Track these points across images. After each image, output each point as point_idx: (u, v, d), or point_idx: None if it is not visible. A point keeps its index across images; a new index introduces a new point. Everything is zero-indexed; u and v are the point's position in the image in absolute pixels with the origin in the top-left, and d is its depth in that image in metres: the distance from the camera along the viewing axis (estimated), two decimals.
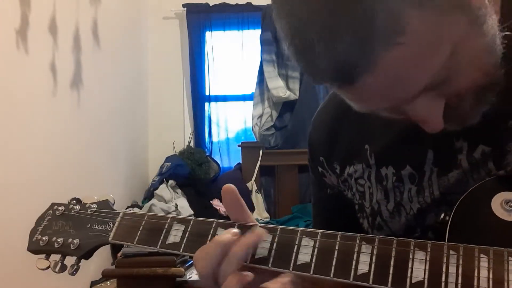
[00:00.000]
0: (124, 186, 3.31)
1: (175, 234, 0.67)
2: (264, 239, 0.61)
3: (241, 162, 3.60)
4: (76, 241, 0.73)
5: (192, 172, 3.46)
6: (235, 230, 0.61)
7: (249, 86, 3.72)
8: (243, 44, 3.80)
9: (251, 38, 3.74)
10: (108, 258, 2.97)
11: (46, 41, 2.37)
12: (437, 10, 0.47)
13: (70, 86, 2.60)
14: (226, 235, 0.60)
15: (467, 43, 0.50)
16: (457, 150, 0.64)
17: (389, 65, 0.48)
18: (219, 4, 3.77)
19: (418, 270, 0.54)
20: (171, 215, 0.69)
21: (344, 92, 0.55)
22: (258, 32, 3.63)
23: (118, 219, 0.72)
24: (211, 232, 0.65)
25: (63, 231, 0.75)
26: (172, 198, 3.20)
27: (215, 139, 3.86)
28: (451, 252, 0.54)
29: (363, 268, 0.56)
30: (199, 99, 3.82)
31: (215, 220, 0.66)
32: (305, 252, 0.60)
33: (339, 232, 0.60)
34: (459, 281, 0.53)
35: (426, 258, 0.55)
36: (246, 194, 3.42)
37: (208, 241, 0.64)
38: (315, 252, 0.59)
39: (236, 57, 3.81)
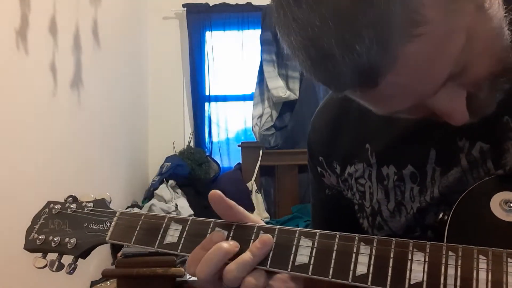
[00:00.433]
0: (124, 186, 3.31)
1: (173, 234, 0.66)
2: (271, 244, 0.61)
3: (241, 162, 3.60)
4: (73, 240, 0.72)
5: (192, 172, 3.46)
6: (234, 243, 0.62)
7: (249, 86, 3.72)
8: (243, 44, 3.80)
9: (251, 38, 3.74)
10: (108, 258, 2.97)
11: (46, 41, 2.37)
12: None
13: (70, 86, 2.60)
14: (225, 245, 0.61)
15: (478, 29, 0.50)
16: (460, 149, 0.64)
17: (411, 59, 0.48)
18: (219, 4, 3.77)
19: (417, 271, 0.54)
20: (168, 215, 0.69)
21: (366, 96, 0.54)
22: (258, 32, 3.63)
23: (115, 218, 0.71)
24: (208, 232, 0.65)
25: (59, 230, 0.74)
26: (172, 198, 3.20)
27: (215, 139, 3.86)
28: (450, 253, 0.54)
29: (361, 269, 0.56)
30: (199, 99, 3.82)
31: (213, 220, 0.66)
32: (304, 253, 0.59)
33: (338, 233, 0.60)
34: (458, 283, 0.52)
35: (424, 259, 0.55)
36: (246, 194, 3.42)
37: None
38: (314, 253, 0.59)
39: (236, 57, 3.81)
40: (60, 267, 0.73)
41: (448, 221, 0.58)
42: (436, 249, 0.55)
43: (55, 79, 2.43)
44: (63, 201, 0.78)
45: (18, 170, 2.14)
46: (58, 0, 2.42)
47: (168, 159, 3.56)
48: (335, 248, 0.58)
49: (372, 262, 0.56)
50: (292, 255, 0.60)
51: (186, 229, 0.66)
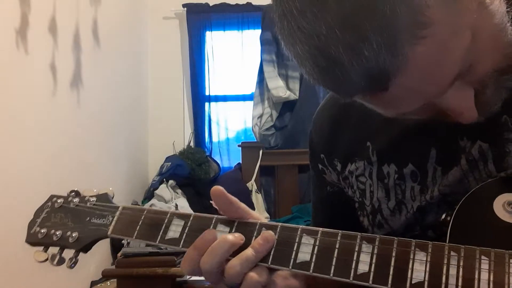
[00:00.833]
0: (124, 186, 3.31)
1: (175, 230, 0.66)
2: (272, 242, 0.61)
3: (241, 162, 3.60)
4: (75, 234, 0.72)
5: (192, 172, 3.46)
6: (239, 235, 0.62)
7: (249, 86, 3.72)
8: (243, 44, 3.80)
9: (251, 38, 3.74)
10: (108, 258, 2.97)
11: (46, 41, 2.37)
12: None
13: (70, 86, 2.60)
14: (231, 237, 0.61)
15: (481, 26, 0.50)
16: (461, 148, 0.64)
17: (420, 60, 0.48)
18: (219, 4, 3.77)
19: (419, 271, 0.54)
20: (171, 211, 0.69)
21: (375, 100, 0.54)
22: (258, 32, 3.63)
23: (118, 213, 0.71)
24: (211, 227, 0.65)
25: (61, 224, 0.74)
26: (172, 198, 3.20)
27: (215, 139, 3.85)
28: (452, 253, 0.54)
29: (363, 267, 0.56)
30: (199, 99, 3.82)
31: (215, 215, 0.66)
32: (305, 251, 0.59)
33: (340, 231, 0.60)
34: (460, 283, 0.52)
35: (426, 259, 0.54)
36: (246, 194, 3.42)
37: None
38: (315, 251, 0.59)
39: (236, 57, 3.81)
40: (61, 261, 0.73)
41: (451, 221, 0.58)
42: (438, 249, 0.55)
43: (55, 79, 2.43)
44: (65, 195, 0.78)
45: (18, 169, 2.14)
46: (58, 0, 2.42)
47: (168, 159, 3.56)
48: (337, 246, 0.58)
49: (373, 260, 0.56)
50: (294, 252, 0.60)
51: (188, 225, 0.66)
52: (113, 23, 3.15)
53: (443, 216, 0.61)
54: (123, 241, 2.90)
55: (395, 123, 0.67)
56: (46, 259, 0.73)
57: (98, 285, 2.62)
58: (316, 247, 0.59)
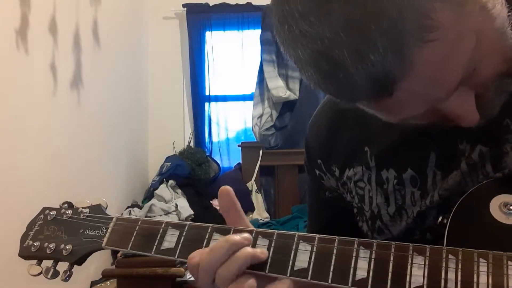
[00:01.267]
0: (124, 186, 3.31)
1: (170, 240, 0.66)
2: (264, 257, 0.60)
3: (241, 162, 3.60)
4: (69, 246, 0.71)
5: (192, 172, 3.46)
6: (247, 235, 0.61)
7: (249, 86, 3.72)
8: (243, 44, 3.80)
9: (251, 38, 3.74)
10: (108, 258, 2.97)
11: (46, 41, 2.37)
12: (455, 1, 0.47)
13: (70, 86, 2.60)
14: (237, 237, 0.60)
15: (484, 30, 0.50)
16: (461, 152, 0.63)
17: (426, 64, 0.47)
18: (219, 4, 3.77)
19: (417, 275, 0.54)
20: (165, 220, 0.68)
21: (379, 106, 0.53)
22: (258, 32, 3.63)
23: (111, 224, 0.70)
24: (206, 237, 0.64)
25: (55, 236, 0.73)
26: (172, 198, 3.20)
27: (215, 139, 3.85)
28: (450, 256, 0.54)
29: (361, 273, 0.56)
30: (199, 99, 3.82)
31: (211, 225, 0.65)
32: (303, 258, 0.59)
33: (337, 237, 0.59)
34: (459, 287, 0.52)
35: (424, 263, 0.54)
36: (246, 194, 3.42)
37: (203, 247, 0.63)
38: (313, 257, 0.58)
39: (236, 57, 3.81)
40: (55, 274, 0.72)
41: (448, 224, 0.58)
42: (436, 253, 0.55)
43: (55, 79, 2.43)
44: (58, 207, 0.77)
45: (18, 170, 2.14)
46: (58, 0, 2.42)
47: (168, 159, 3.56)
48: (334, 252, 0.58)
49: (371, 266, 0.56)
50: (291, 259, 0.59)
51: (184, 235, 0.65)
52: (113, 23, 3.15)
53: (440, 219, 0.60)
54: None
55: (393, 128, 0.67)
56: (40, 273, 0.72)
57: (98, 285, 2.62)
58: (314, 254, 0.58)
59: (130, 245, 0.67)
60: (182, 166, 3.44)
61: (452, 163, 0.63)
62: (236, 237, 0.60)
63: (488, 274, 0.52)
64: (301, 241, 0.60)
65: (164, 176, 3.36)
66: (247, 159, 3.53)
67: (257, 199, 3.44)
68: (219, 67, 3.83)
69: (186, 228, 0.65)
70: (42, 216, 0.77)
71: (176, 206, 3.08)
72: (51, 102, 2.42)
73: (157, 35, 3.85)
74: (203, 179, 3.48)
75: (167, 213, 3.03)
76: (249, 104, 3.68)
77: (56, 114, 2.45)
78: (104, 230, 0.70)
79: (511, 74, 0.54)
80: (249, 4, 3.74)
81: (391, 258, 0.55)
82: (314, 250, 0.59)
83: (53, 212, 0.76)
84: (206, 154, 3.68)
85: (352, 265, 0.57)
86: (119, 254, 2.55)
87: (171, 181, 3.31)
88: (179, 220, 3.04)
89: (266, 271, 0.60)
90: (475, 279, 0.52)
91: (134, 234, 0.68)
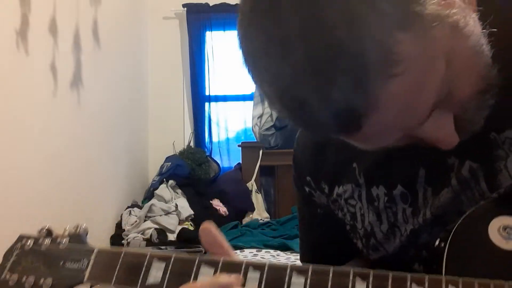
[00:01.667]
0: (124, 186, 3.31)
1: (155, 274, 0.61)
2: None
3: (241, 162, 3.60)
4: (49, 281, 0.66)
5: (192, 172, 3.46)
6: (238, 276, 0.57)
7: (249, 86, 3.72)
8: None
9: None
10: None
11: (46, 41, 2.37)
12: (421, 26, 0.45)
13: (70, 86, 2.60)
14: (226, 278, 0.56)
15: (456, 51, 0.48)
16: (449, 167, 0.61)
17: (393, 98, 0.46)
18: (219, 4, 3.77)
19: None
20: (150, 251, 0.63)
21: (352, 138, 0.52)
22: None
23: (93, 256, 0.65)
24: (194, 270, 0.60)
25: (33, 269, 0.68)
26: (172, 198, 3.20)
27: (215, 139, 3.86)
28: (450, 286, 0.51)
29: None
30: (199, 99, 3.82)
31: (198, 257, 0.61)
32: None
33: (331, 267, 0.56)
34: None
35: None
36: (246, 194, 3.42)
37: (191, 281, 0.59)
38: None
39: (236, 57, 3.79)
40: None
41: (446, 251, 0.55)
42: (435, 283, 0.52)
43: (55, 79, 2.43)
44: (36, 234, 0.72)
45: (18, 169, 2.14)
46: (58, 0, 2.42)
47: (168, 159, 3.56)
48: (329, 285, 0.55)
49: None
50: None
51: (170, 268, 0.61)
52: (113, 23, 3.15)
53: (437, 242, 0.58)
54: (123, 241, 2.90)
55: None
56: None
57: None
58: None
59: (114, 279, 0.62)
60: (182, 166, 3.44)
61: (442, 178, 0.62)
62: (226, 278, 0.56)
63: None
64: (294, 273, 0.56)
65: (164, 176, 3.36)
66: (247, 159, 3.53)
67: (257, 199, 3.44)
68: (219, 67, 3.83)
69: (172, 261, 0.61)
70: (19, 245, 0.70)
71: (176, 206, 3.08)
72: (51, 102, 2.42)
73: (157, 35, 3.85)
74: (203, 179, 3.48)
75: (167, 213, 3.03)
76: (249, 104, 3.68)
77: (56, 114, 2.45)
78: (86, 263, 0.65)
79: (490, 91, 0.53)
80: None
81: None
82: (308, 283, 0.55)
83: (30, 242, 0.70)
84: (206, 154, 3.68)
85: None
86: None
87: (171, 181, 3.31)
88: (179, 220, 3.04)
89: None
90: None
91: (118, 267, 0.63)
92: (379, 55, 0.44)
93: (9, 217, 2.03)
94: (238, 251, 2.52)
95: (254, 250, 2.54)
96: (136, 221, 2.99)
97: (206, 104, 3.85)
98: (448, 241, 0.56)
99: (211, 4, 3.78)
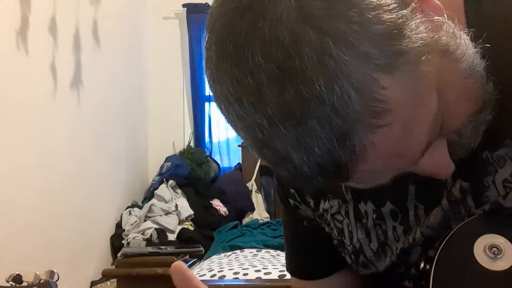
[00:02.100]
0: (124, 186, 3.31)
1: None
2: None
3: (241, 162, 3.60)
4: None
5: (192, 172, 3.46)
6: None
7: None
8: None
9: None
10: (108, 258, 2.97)
11: (46, 41, 2.37)
12: (408, 65, 0.40)
13: (70, 86, 2.60)
14: None
15: (448, 77, 0.44)
16: (441, 184, 0.57)
17: (381, 147, 0.41)
18: None
19: None
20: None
21: (345, 183, 0.47)
22: None
23: None
24: None
25: None
26: (172, 198, 3.20)
27: (215, 139, 3.86)
28: None
29: None
30: (199, 99, 3.82)
31: None
32: None
33: None
34: None
35: None
36: (246, 194, 3.42)
37: None
38: None
39: None
40: None
41: (432, 272, 0.53)
42: None
43: (55, 79, 2.43)
44: (5, 282, 0.67)
45: (18, 170, 2.14)
46: (58, 0, 2.42)
47: (168, 159, 3.56)
48: None
49: None
50: None
51: None
52: (113, 23, 3.15)
53: (422, 265, 0.56)
54: (123, 241, 2.90)
55: None
56: None
57: (98, 285, 2.62)
58: None
59: None
60: (182, 166, 3.44)
61: (434, 195, 0.58)
62: None
63: None
64: None
65: (164, 176, 3.37)
66: (247, 159, 3.53)
67: (257, 199, 3.44)
68: None
69: None
70: None
71: (176, 206, 3.08)
72: (51, 103, 2.43)
73: (157, 35, 3.85)
74: (203, 179, 3.48)
75: (167, 213, 3.03)
76: None
77: (56, 114, 2.45)
78: None
79: (487, 108, 0.49)
80: None
81: None
82: None
83: None
84: (206, 154, 3.68)
85: None
86: (119, 254, 2.55)
87: (171, 181, 3.31)
88: (179, 220, 3.04)
89: None
90: None
91: None
92: (362, 106, 0.39)
93: (9, 217, 2.03)
94: (238, 251, 2.52)
95: (254, 250, 2.54)
96: (136, 221, 2.99)
97: (206, 104, 3.85)
98: (434, 263, 0.53)
99: (211, 4, 3.77)
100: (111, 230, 3.05)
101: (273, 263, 2.19)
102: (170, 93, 3.85)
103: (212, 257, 2.47)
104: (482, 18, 0.52)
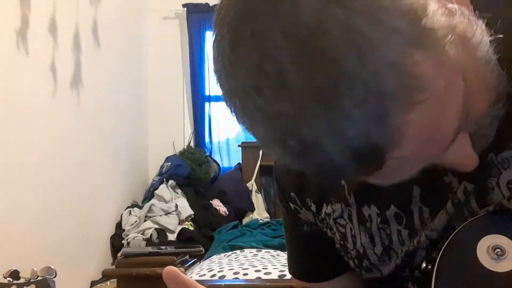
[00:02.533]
0: (124, 186, 3.31)
1: None
2: None
3: (241, 162, 3.60)
4: None
5: (192, 172, 3.46)
6: None
7: None
8: None
9: None
10: (108, 258, 2.97)
11: (46, 41, 2.37)
12: (436, 42, 0.39)
13: (70, 86, 2.60)
14: None
15: (468, 64, 0.43)
16: (446, 186, 0.56)
17: (417, 128, 0.40)
18: None
19: None
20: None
21: (372, 177, 0.45)
22: None
23: None
24: None
25: None
26: (172, 198, 3.20)
27: (215, 139, 3.86)
28: None
29: None
30: (199, 99, 3.82)
31: None
32: None
33: None
34: None
35: None
36: (246, 194, 3.42)
37: None
38: None
39: None
40: None
41: (434, 273, 0.52)
42: None
43: (55, 79, 2.43)
44: (2, 278, 0.68)
45: (18, 170, 2.14)
46: (58, 0, 2.42)
47: (168, 159, 3.56)
48: None
49: None
50: None
51: None
52: (113, 23, 3.15)
53: (424, 265, 0.55)
54: (123, 241, 2.90)
55: None
56: None
57: (98, 285, 2.62)
58: None
59: None
60: (182, 166, 3.44)
61: (439, 198, 0.57)
62: None
63: None
64: None
65: (164, 176, 3.37)
66: (247, 159, 3.53)
67: (257, 199, 3.44)
68: None
69: None
70: None
71: (176, 206, 3.08)
72: (51, 103, 2.43)
73: (157, 35, 3.85)
74: (203, 179, 3.48)
75: (167, 213, 3.03)
76: None
77: (56, 114, 2.45)
78: None
79: (501, 100, 0.48)
80: None
81: None
82: None
83: None
84: (206, 154, 3.68)
85: None
86: (119, 254, 2.55)
87: (171, 181, 3.31)
88: (179, 220, 3.04)
89: None
90: None
91: None
92: (397, 82, 0.37)
93: (9, 217, 2.03)
94: (238, 251, 2.52)
95: (254, 250, 2.54)
96: (136, 221, 2.99)
97: (206, 104, 3.85)
98: (436, 263, 0.53)
99: (211, 4, 3.77)
100: (111, 230, 3.05)
101: (273, 263, 2.20)
102: (170, 93, 3.85)
103: (212, 257, 2.47)
104: (497, 8, 0.52)
